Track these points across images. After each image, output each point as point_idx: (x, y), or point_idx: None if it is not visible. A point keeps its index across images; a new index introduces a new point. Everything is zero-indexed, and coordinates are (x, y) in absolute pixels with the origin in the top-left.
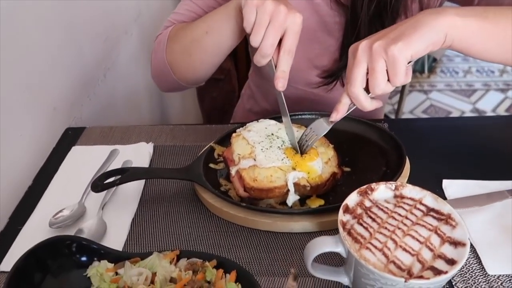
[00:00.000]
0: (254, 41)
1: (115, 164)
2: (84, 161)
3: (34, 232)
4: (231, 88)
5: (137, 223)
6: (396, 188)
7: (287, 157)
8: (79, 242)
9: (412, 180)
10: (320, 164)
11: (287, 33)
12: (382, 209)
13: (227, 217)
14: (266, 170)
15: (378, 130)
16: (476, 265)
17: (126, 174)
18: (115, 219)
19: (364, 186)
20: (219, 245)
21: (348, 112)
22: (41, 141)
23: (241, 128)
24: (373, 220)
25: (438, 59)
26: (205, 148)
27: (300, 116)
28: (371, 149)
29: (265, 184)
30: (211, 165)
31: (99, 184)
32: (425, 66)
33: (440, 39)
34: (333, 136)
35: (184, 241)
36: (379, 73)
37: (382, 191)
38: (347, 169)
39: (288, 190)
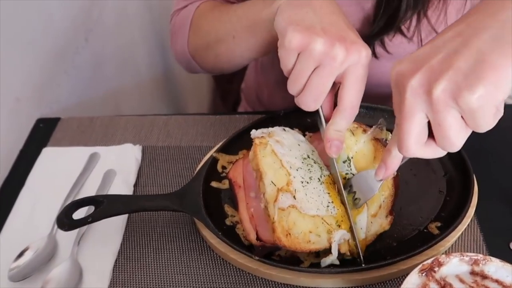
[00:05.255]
0: (291, 89)
1: (95, 174)
2: (57, 171)
3: None
4: None
5: (121, 265)
6: (475, 263)
7: (332, 201)
8: None
9: (482, 214)
10: (364, 220)
11: (347, 79)
12: None
13: (235, 264)
14: (308, 220)
15: None
16: None
17: (101, 207)
18: (93, 261)
19: (429, 261)
20: None
21: (402, 163)
22: (5, 143)
23: (264, 131)
24: None
25: None
26: (204, 160)
27: None
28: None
29: (300, 243)
30: (214, 184)
31: (65, 222)
32: None
33: None
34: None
35: None
36: (451, 129)
37: (454, 265)
38: None
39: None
